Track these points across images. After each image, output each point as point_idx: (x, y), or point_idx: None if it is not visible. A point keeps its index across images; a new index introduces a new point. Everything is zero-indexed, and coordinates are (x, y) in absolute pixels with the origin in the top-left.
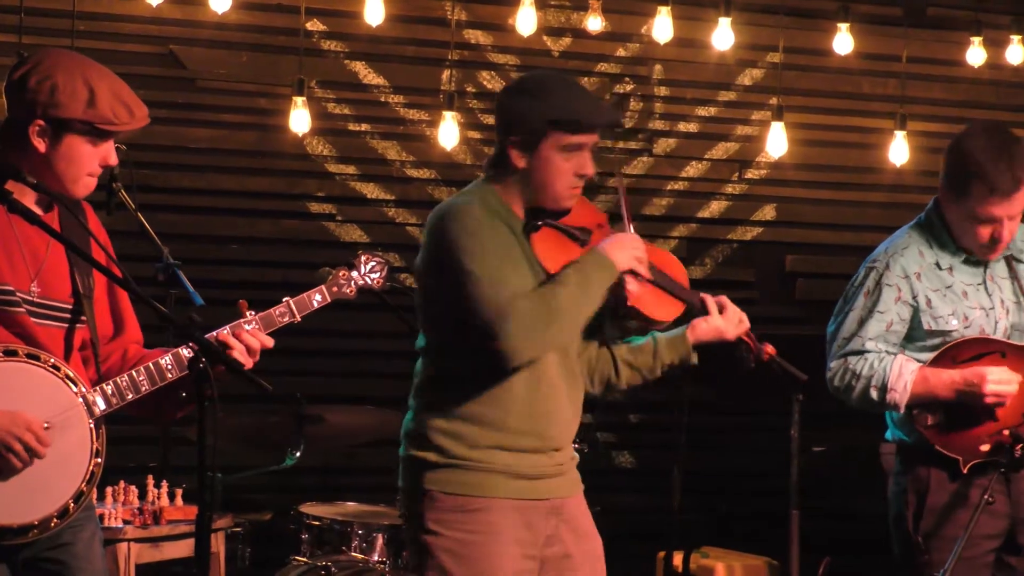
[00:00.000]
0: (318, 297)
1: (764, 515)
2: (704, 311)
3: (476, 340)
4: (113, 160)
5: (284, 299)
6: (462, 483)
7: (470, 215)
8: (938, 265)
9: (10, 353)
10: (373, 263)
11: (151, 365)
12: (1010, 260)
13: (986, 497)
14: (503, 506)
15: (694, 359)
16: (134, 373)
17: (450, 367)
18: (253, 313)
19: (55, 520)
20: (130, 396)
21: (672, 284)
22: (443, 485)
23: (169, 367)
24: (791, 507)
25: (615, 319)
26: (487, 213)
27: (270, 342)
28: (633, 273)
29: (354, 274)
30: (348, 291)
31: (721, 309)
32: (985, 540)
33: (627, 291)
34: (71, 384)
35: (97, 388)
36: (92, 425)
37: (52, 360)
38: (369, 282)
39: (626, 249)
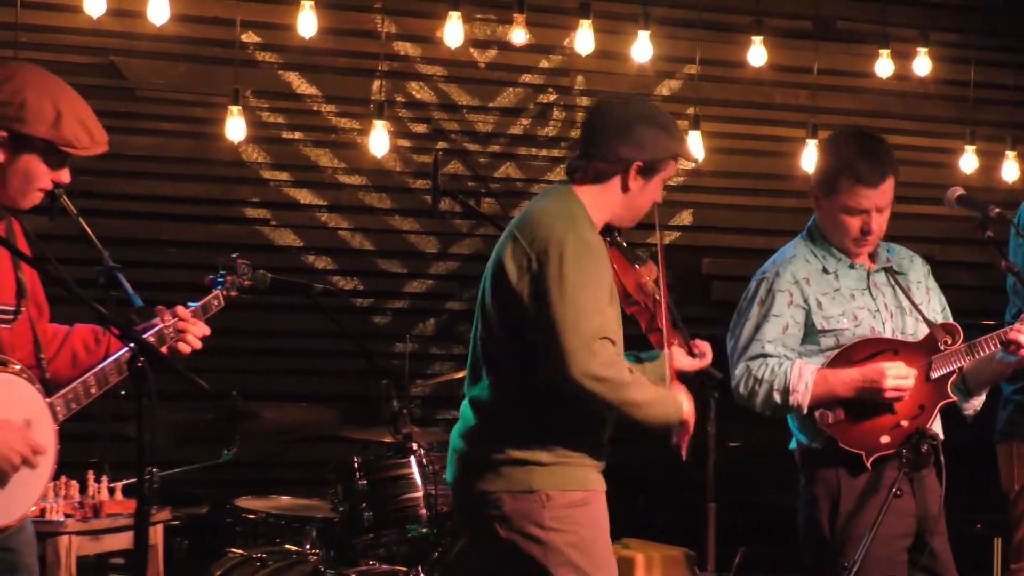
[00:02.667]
0: (215, 302)
1: (683, 508)
2: (692, 354)
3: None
4: (66, 179)
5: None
6: (574, 480)
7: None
8: (825, 270)
9: None
10: (244, 267)
11: (98, 371)
12: (890, 270)
13: (895, 491)
14: (600, 498)
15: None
16: (86, 380)
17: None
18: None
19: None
20: (84, 401)
21: (682, 327)
22: (557, 484)
23: (112, 372)
24: (708, 500)
25: None
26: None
27: (207, 330)
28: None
29: (234, 278)
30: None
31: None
32: (896, 540)
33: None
34: (33, 385)
35: (59, 395)
36: (57, 427)
37: (16, 364)
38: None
39: (690, 416)
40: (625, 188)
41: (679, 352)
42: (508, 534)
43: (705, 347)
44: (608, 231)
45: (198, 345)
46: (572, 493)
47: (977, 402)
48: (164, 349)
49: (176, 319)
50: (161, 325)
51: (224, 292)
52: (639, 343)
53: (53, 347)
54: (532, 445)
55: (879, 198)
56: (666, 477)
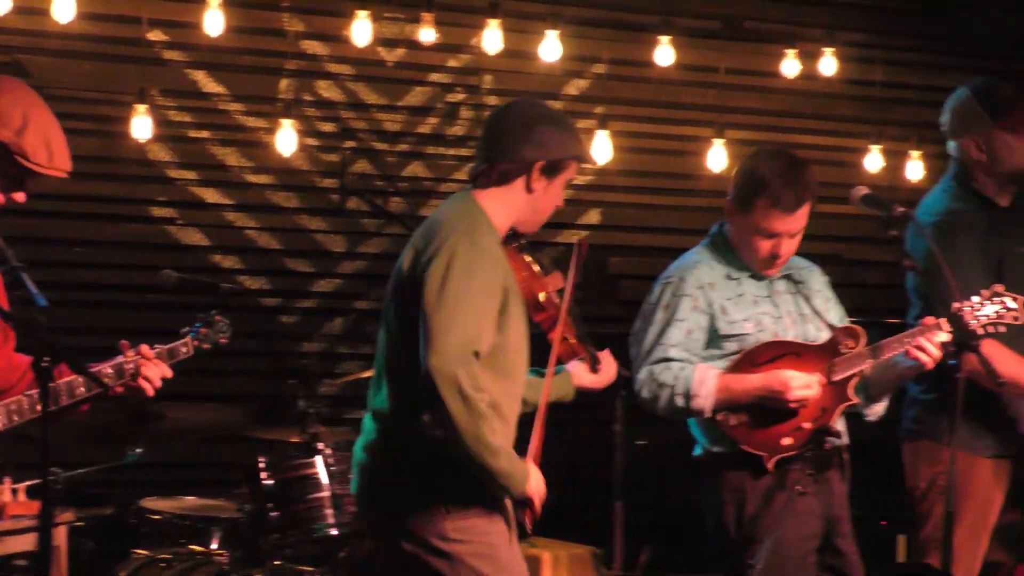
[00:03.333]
0: (184, 349)
1: (590, 506)
2: (595, 369)
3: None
4: (21, 199)
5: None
6: (475, 490)
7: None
8: (728, 276)
9: None
10: (222, 324)
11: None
12: (790, 278)
13: (797, 488)
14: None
15: (570, 399)
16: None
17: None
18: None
19: None
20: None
21: (587, 341)
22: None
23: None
24: (615, 499)
25: None
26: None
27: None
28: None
29: (209, 331)
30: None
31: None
32: (803, 541)
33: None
34: None
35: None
36: None
37: None
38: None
39: (537, 493)
40: (529, 189)
41: (581, 368)
42: (412, 547)
43: (609, 362)
44: (514, 237)
45: (157, 384)
46: (475, 503)
47: (879, 408)
48: (119, 386)
49: (138, 357)
50: (121, 359)
51: (196, 342)
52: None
53: (14, 376)
54: (431, 458)
55: (793, 224)
56: (574, 476)
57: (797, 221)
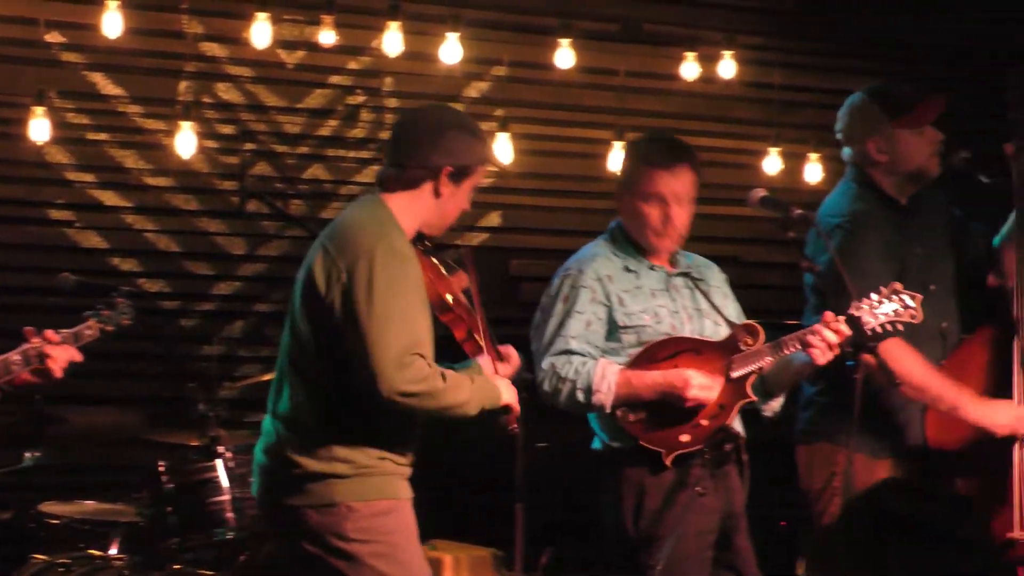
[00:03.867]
0: (88, 331)
1: (491, 508)
2: (503, 359)
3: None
4: None
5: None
6: (377, 490)
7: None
8: (627, 268)
9: None
10: (124, 305)
11: None
12: (689, 275)
13: (697, 489)
14: (406, 506)
15: None
16: None
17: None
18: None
19: None
20: None
21: (492, 338)
22: (359, 495)
23: None
24: (516, 501)
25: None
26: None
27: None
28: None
29: (112, 313)
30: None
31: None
32: (701, 537)
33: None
34: None
35: None
36: None
37: None
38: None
39: (512, 393)
40: (437, 194)
41: (487, 361)
42: (314, 548)
43: (511, 352)
44: (419, 239)
45: (63, 365)
46: (376, 503)
47: (776, 404)
48: (27, 372)
49: (44, 342)
50: (27, 345)
51: (100, 324)
52: (455, 351)
53: None
54: (333, 458)
55: (676, 184)
56: (475, 478)
57: (680, 182)
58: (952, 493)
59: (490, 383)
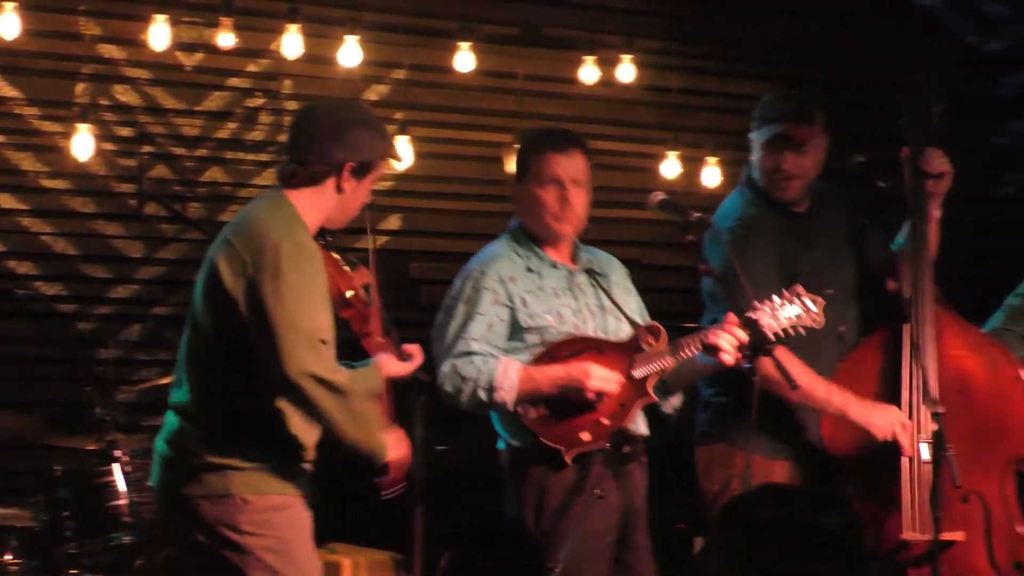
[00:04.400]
0: None
1: (390, 512)
2: (402, 359)
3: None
4: None
5: None
6: (272, 484)
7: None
8: (529, 269)
9: None
10: None
11: None
12: (591, 272)
13: (596, 492)
14: (300, 503)
15: (380, 390)
16: None
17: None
18: None
19: None
20: None
21: (393, 334)
22: (254, 488)
23: None
24: (415, 504)
25: None
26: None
27: None
28: None
29: None
30: None
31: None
32: (600, 535)
33: None
34: None
35: None
36: None
37: None
38: None
39: (400, 454)
40: (339, 189)
41: (390, 358)
42: (207, 539)
43: (415, 350)
44: (321, 235)
45: None
46: (270, 497)
47: (676, 400)
48: None
49: None
50: None
51: None
52: (353, 348)
53: None
54: (230, 450)
55: (571, 167)
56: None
57: (575, 166)
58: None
59: (385, 434)
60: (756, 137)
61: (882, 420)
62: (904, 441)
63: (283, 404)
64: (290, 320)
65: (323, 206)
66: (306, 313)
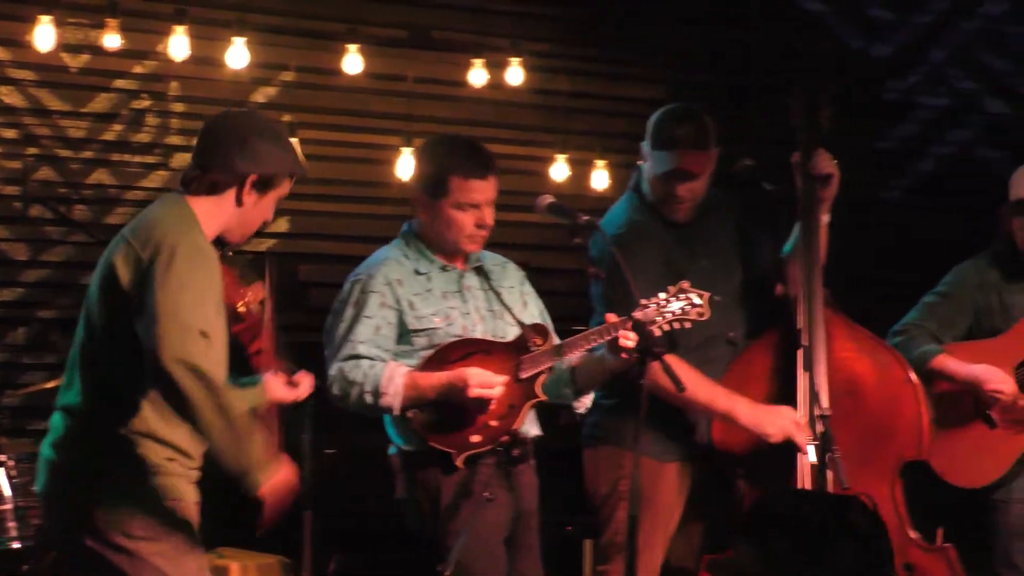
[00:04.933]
0: None
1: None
2: (290, 383)
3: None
4: None
5: None
6: (164, 489)
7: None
8: (418, 271)
9: None
10: None
11: None
12: (481, 272)
13: (486, 495)
14: (192, 508)
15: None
16: None
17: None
18: None
19: None
20: None
21: (284, 355)
22: (146, 494)
23: None
24: (304, 508)
25: None
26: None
27: None
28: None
29: None
30: None
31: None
32: (491, 536)
33: None
34: None
35: None
36: None
37: None
38: None
39: (272, 495)
40: (239, 202)
41: (277, 381)
42: (96, 544)
43: (305, 378)
44: (219, 246)
45: None
46: (161, 502)
47: (588, 400)
48: None
49: None
50: None
51: None
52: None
53: None
54: (122, 455)
55: (489, 191)
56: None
57: (492, 189)
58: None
59: (264, 459)
60: (650, 156)
61: (774, 422)
62: (800, 440)
63: (167, 407)
64: (172, 308)
65: (222, 216)
66: (190, 303)
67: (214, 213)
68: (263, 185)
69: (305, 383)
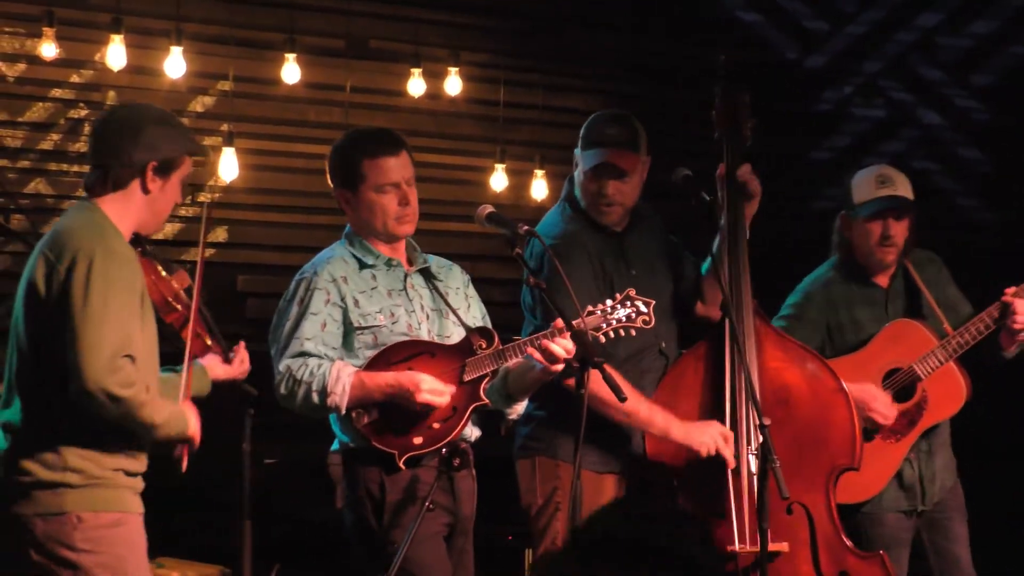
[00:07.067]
0: None
1: (219, 526)
2: (228, 360)
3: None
4: None
5: None
6: (106, 501)
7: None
8: (362, 268)
9: None
10: None
11: None
12: (427, 272)
13: (428, 504)
14: (136, 520)
15: (207, 392)
16: None
17: None
18: None
19: None
20: None
21: (218, 335)
22: (89, 505)
23: None
24: (243, 517)
25: None
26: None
27: None
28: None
29: None
30: None
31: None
32: (435, 535)
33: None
34: None
35: None
36: None
37: None
38: None
39: (195, 433)
40: (145, 191)
41: (215, 360)
42: (40, 558)
43: (242, 352)
44: (138, 241)
45: None
46: (105, 514)
47: (520, 407)
48: None
49: None
50: None
51: None
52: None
53: None
54: (65, 467)
55: (404, 169)
56: (202, 496)
57: (406, 166)
58: (674, 511)
59: (182, 412)
60: (581, 157)
61: (703, 437)
62: (727, 454)
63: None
64: (94, 337)
65: (133, 210)
66: (110, 328)
67: (124, 210)
68: (165, 170)
69: (241, 355)
